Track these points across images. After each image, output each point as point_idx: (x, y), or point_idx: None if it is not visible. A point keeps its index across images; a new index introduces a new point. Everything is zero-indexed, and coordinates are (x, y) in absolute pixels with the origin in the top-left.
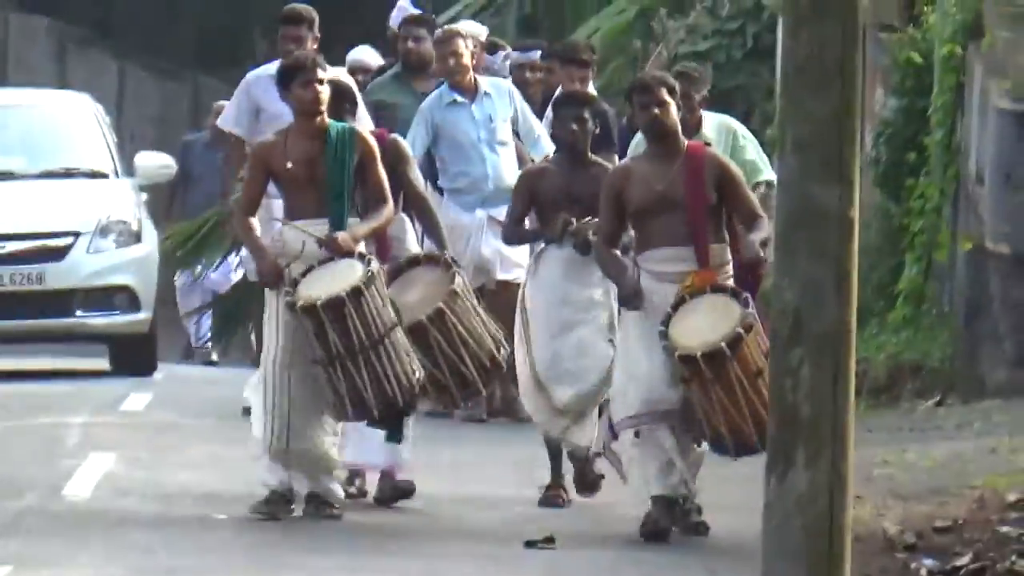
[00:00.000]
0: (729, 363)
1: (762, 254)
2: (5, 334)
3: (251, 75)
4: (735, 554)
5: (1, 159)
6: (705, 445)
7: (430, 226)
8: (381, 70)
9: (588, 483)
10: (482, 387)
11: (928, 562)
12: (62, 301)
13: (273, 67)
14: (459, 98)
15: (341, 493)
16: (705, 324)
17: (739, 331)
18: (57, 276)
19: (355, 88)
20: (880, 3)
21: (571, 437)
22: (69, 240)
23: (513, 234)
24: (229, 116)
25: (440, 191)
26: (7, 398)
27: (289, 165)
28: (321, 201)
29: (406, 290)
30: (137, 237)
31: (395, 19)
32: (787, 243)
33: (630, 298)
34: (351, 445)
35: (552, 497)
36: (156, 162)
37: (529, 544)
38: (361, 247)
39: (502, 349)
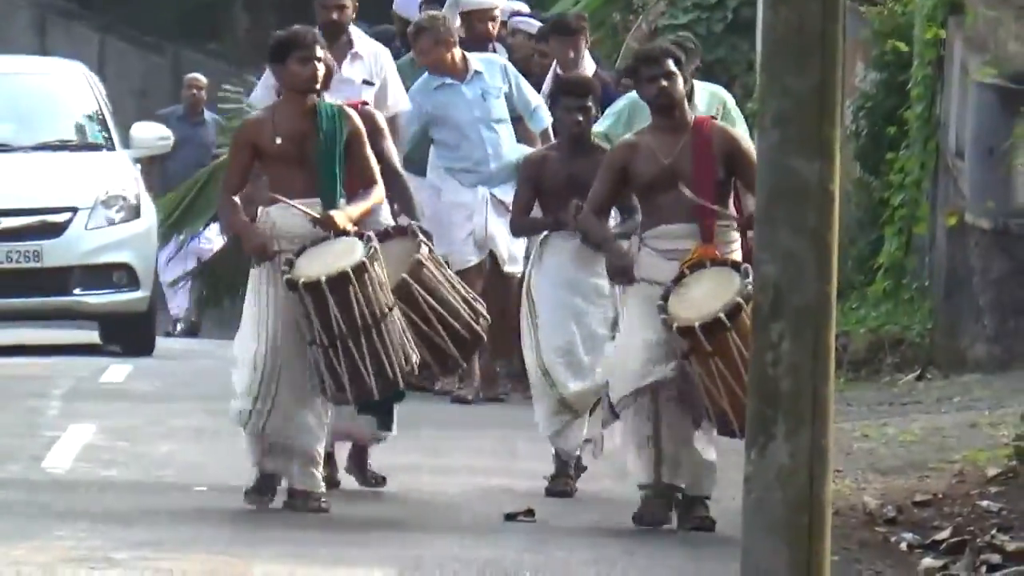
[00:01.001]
0: (728, 333)
1: None
2: (1, 313)
3: None
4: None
5: None
6: (713, 455)
7: (402, 199)
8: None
9: (559, 491)
10: (461, 360)
11: (908, 536)
12: (60, 279)
13: None
14: (447, 80)
15: (323, 486)
16: (704, 296)
17: (738, 300)
18: (55, 253)
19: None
20: None
21: (566, 433)
22: (67, 216)
23: (521, 225)
24: (259, 94)
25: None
26: None
27: (278, 141)
28: (310, 180)
29: None
30: (136, 212)
31: (400, 4)
32: (767, 217)
33: (618, 270)
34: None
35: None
36: (153, 133)
37: (509, 517)
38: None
39: (481, 319)
